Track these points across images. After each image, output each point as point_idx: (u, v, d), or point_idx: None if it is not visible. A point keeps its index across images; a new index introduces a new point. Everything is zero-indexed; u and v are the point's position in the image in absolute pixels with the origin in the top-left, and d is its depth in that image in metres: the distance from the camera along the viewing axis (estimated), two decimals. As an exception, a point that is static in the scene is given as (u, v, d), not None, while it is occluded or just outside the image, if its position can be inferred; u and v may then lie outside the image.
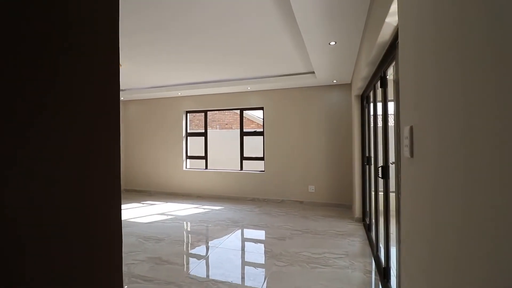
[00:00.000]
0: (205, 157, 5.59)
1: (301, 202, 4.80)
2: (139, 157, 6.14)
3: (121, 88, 5.32)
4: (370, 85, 2.78)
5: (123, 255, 2.52)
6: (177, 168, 5.75)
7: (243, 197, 5.19)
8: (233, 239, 3.25)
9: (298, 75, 4.23)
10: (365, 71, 2.39)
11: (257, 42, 2.89)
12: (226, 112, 9.82)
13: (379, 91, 2.46)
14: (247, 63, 3.67)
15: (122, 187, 6.24)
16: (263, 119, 5.09)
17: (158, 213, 4.42)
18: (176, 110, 5.77)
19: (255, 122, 9.58)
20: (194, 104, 5.59)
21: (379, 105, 2.49)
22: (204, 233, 3.52)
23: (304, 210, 4.42)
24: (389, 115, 2.04)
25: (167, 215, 4.31)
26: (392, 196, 2.00)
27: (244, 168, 5.33)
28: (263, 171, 5.10)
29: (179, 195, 5.68)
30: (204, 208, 4.67)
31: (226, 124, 10.08)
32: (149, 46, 3.00)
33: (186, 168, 5.77)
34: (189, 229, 3.63)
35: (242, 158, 5.28)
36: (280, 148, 4.95)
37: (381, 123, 2.09)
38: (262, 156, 5.11)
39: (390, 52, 1.69)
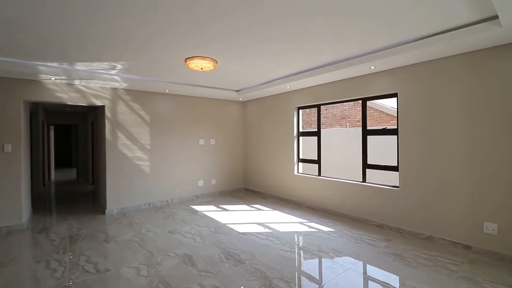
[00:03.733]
0: (317, 161, 4.62)
1: (466, 248, 2.87)
2: (255, 157, 6.03)
3: (235, 89, 5.33)
4: None
5: (195, 272, 2.11)
6: (288, 171, 5.13)
7: (365, 219, 3.81)
8: (327, 290, 2.20)
9: (458, 29, 2.45)
10: None
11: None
12: (358, 107, 8.19)
13: None
14: (367, 24, 2.43)
15: (242, 186, 6.38)
16: (397, 110, 3.49)
17: (258, 222, 3.97)
18: (287, 107, 5.14)
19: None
20: (305, 98, 4.75)
21: None
22: (294, 269, 2.65)
23: (472, 265, 2.56)
24: None
25: (266, 227, 3.76)
26: None
27: (367, 179, 3.92)
28: (397, 186, 3.50)
29: (289, 202, 5.04)
30: (309, 226, 3.76)
31: (358, 121, 8.42)
32: (237, 20, 2.49)
33: (297, 172, 5.03)
34: (278, 255, 2.88)
35: (365, 165, 3.89)
36: (426, 154, 3.20)
37: None
38: (395, 165, 3.53)
39: None
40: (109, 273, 2.50)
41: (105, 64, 3.55)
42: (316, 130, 4.64)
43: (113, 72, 3.94)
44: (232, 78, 4.37)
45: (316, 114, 4.67)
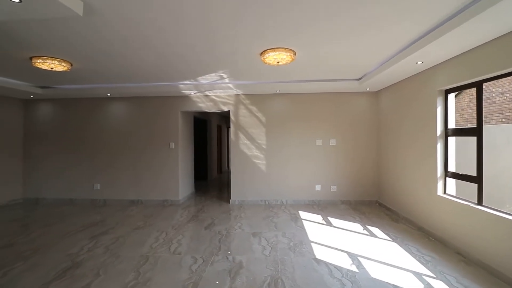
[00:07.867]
0: (477, 179, 2.70)
1: None
2: (390, 163, 4.56)
3: (355, 77, 4.28)
4: None
5: None
6: (429, 190, 3.41)
7: None
8: None
9: None
10: None
11: None
12: None
13: None
14: None
15: (374, 199, 5.07)
16: None
17: (353, 252, 2.98)
18: (426, 92, 3.40)
19: None
20: (455, 73, 2.89)
21: None
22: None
23: None
24: None
25: (356, 261, 2.74)
26: None
27: None
28: None
29: (428, 236, 3.35)
30: (429, 286, 2.31)
31: None
32: None
33: (443, 193, 3.23)
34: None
35: None
36: None
37: None
38: None
39: None
40: (176, 257, 2.88)
41: (213, 75, 4.09)
42: (475, 126, 2.72)
43: (226, 80, 4.44)
44: (334, 63, 3.54)
45: (476, 100, 2.73)
